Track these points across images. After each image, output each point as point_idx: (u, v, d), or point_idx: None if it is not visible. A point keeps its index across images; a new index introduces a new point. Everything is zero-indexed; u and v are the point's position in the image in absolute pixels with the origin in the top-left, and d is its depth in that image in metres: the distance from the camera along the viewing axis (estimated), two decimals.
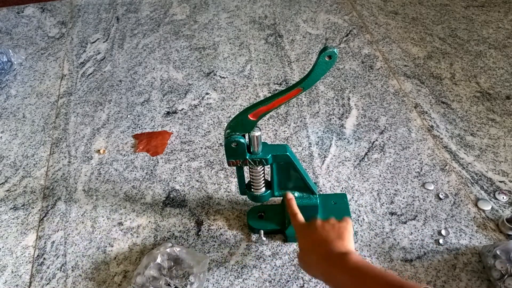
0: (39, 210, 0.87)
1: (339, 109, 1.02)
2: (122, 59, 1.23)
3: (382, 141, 0.94)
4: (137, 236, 0.80)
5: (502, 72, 1.08)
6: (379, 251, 0.75)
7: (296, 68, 1.15)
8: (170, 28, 1.33)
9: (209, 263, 0.74)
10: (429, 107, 1.01)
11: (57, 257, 0.78)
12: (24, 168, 0.95)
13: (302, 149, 0.94)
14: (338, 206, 0.79)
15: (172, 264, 0.71)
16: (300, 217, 0.68)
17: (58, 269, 0.77)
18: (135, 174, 0.92)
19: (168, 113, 1.05)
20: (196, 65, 1.19)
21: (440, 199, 0.82)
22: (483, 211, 0.80)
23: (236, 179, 0.83)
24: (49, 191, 0.90)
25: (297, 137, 0.96)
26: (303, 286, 0.71)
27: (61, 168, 0.94)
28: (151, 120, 1.04)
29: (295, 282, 0.72)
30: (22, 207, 0.87)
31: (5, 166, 0.96)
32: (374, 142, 0.94)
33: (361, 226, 0.79)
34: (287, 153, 0.65)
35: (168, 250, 0.72)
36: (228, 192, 0.87)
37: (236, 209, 0.83)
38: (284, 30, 1.28)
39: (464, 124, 0.96)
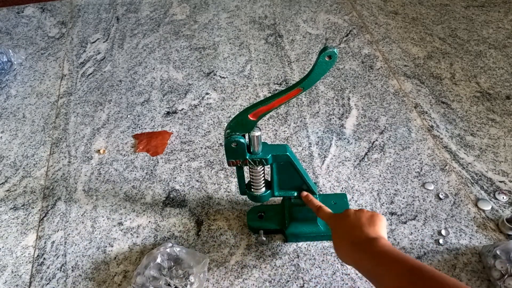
0: (39, 210, 0.87)
1: (339, 109, 1.02)
2: (122, 59, 1.23)
3: (382, 141, 0.94)
4: (137, 236, 0.80)
5: (502, 72, 1.08)
6: None
7: (296, 68, 1.15)
8: (170, 28, 1.33)
9: (209, 263, 0.74)
10: (429, 107, 1.01)
11: (57, 257, 0.78)
12: (24, 168, 0.95)
13: (302, 149, 0.94)
14: (338, 206, 0.79)
15: (172, 264, 0.71)
16: (327, 208, 0.67)
17: (58, 269, 0.77)
18: (135, 174, 0.92)
19: (168, 113, 1.05)
20: (196, 65, 1.19)
21: (440, 199, 0.82)
22: (483, 211, 0.80)
23: (236, 179, 0.83)
24: (49, 191, 0.90)
25: (297, 137, 0.96)
26: (303, 286, 0.71)
27: (61, 168, 0.94)
28: (151, 120, 1.04)
29: (295, 282, 0.72)
30: (22, 207, 0.87)
31: (5, 166, 0.96)
32: (374, 142, 0.94)
33: None
34: (287, 153, 0.65)
35: (168, 250, 0.71)
36: (228, 192, 0.87)
37: (236, 209, 0.83)
38: (284, 30, 1.28)
39: (464, 124, 0.96)
